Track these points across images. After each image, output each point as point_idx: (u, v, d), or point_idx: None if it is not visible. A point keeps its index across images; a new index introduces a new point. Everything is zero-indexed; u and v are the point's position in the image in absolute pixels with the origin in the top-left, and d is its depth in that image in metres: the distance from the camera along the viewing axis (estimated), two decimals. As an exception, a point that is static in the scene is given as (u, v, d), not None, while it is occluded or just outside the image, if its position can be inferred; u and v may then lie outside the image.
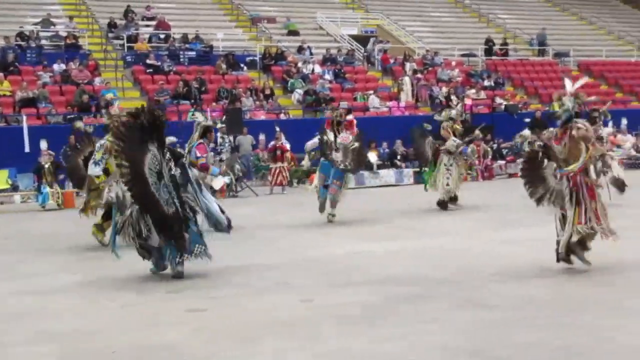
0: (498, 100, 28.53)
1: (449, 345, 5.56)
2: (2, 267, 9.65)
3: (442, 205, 14.46)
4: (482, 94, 28.72)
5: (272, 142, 20.44)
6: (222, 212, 9.02)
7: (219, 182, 11.60)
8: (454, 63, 30.82)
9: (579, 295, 7.11)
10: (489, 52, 33.16)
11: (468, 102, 27.28)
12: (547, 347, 5.45)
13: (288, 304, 7.07)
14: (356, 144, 13.29)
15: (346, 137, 13.31)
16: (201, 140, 10.52)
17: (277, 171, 19.82)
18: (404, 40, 33.26)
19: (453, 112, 15.64)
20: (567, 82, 8.97)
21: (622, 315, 6.28)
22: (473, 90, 28.61)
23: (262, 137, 21.94)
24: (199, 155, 10.26)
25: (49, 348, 5.91)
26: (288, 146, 20.63)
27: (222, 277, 8.57)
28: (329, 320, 6.40)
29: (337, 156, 13.13)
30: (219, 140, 20.62)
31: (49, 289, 8.06)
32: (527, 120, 24.98)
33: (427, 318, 6.36)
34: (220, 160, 20.01)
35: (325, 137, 13.33)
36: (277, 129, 20.55)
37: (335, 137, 13.34)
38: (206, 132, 10.75)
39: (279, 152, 20.01)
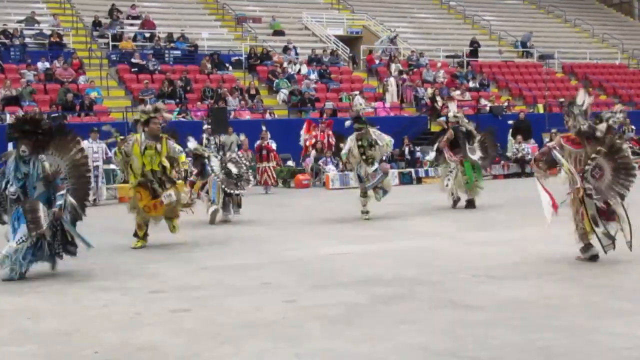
0: (483, 101, 28.65)
1: (431, 346, 5.58)
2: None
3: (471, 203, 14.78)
4: (467, 95, 28.84)
5: (258, 142, 20.44)
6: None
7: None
8: (439, 64, 30.93)
9: (561, 297, 7.14)
10: (474, 53, 33.30)
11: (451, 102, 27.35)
12: (528, 348, 5.48)
13: (271, 305, 7.07)
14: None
15: None
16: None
17: (263, 170, 19.81)
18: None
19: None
20: (581, 94, 8.92)
21: (604, 317, 6.32)
22: (458, 92, 28.73)
23: (242, 137, 21.90)
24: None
25: (28, 348, 5.87)
26: (274, 146, 20.64)
27: (205, 277, 8.57)
28: (311, 320, 6.41)
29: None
30: (204, 141, 20.59)
31: (29, 288, 8.02)
32: (511, 122, 25.12)
33: (410, 318, 6.38)
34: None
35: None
36: (264, 128, 20.55)
37: None
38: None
39: (264, 152, 20.01)
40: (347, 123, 13.98)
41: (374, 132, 13.64)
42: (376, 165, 13.69)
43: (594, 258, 8.62)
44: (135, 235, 11.00)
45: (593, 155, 8.43)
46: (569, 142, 8.69)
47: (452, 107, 15.93)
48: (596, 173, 8.43)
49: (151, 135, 10.77)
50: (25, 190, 8.43)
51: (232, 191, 13.80)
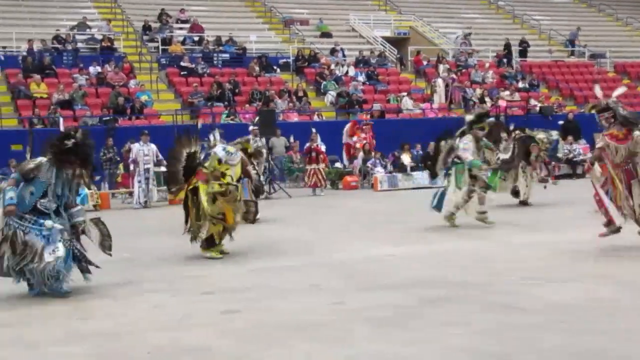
0: (532, 102, 28.33)
1: (479, 349, 5.55)
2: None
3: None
4: (517, 96, 28.55)
5: (308, 144, 20.48)
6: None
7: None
8: (487, 65, 30.67)
9: (612, 299, 7.04)
10: (523, 53, 32.95)
11: (502, 103, 27.17)
12: (579, 352, 5.42)
13: (319, 306, 7.10)
14: None
15: None
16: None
17: (313, 172, 19.87)
18: (437, 42, 33.16)
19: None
20: (597, 90, 9.17)
21: (655, 321, 6.23)
22: (507, 92, 28.45)
23: (291, 139, 22.08)
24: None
25: (82, 348, 5.99)
26: (323, 148, 20.68)
27: (254, 278, 8.64)
28: (360, 323, 6.43)
29: None
30: (252, 142, 20.71)
31: (82, 290, 8.17)
32: (561, 122, 24.80)
33: (458, 321, 6.36)
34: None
35: None
36: (314, 130, 20.58)
37: None
38: None
39: (314, 154, 20.05)
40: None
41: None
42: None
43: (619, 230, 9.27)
44: (211, 244, 10.28)
45: None
46: (613, 138, 9.05)
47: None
48: None
49: None
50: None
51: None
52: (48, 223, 7.67)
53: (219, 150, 10.29)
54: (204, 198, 9.97)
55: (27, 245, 7.70)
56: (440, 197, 12.60)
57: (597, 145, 9.55)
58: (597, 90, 9.63)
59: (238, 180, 10.56)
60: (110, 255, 8.28)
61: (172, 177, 10.50)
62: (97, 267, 8.24)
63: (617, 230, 9.36)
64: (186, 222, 10.34)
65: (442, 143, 12.89)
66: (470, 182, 12.31)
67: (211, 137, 11.49)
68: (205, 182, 10.10)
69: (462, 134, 12.56)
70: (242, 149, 11.22)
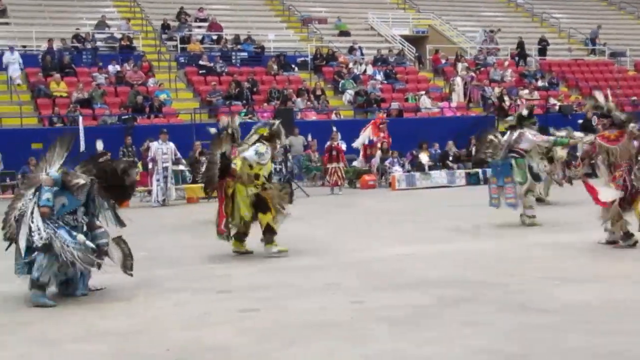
0: (552, 100, 28.17)
1: (499, 350, 5.53)
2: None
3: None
4: (536, 95, 28.39)
5: (328, 142, 20.47)
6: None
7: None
8: (506, 63, 30.53)
9: (632, 300, 6.99)
10: (542, 52, 32.78)
11: (521, 102, 27.01)
12: (599, 353, 5.38)
13: (337, 305, 7.10)
14: None
15: None
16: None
17: (333, 171, 19.86)
18: (455, 41, 33.05)
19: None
20: (599, 95, 9.48)
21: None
22: (526, 91, 28.32)
23: (309, 137, 22.10)
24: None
25: (101, 346, 6.02)
26: (344, 146, 20.66)
27: (272, 277, 8.64)
28: (378, 322, 6.42)
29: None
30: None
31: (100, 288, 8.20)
32: (580, 121, 24.63)
33: (477, 321, 6.33)
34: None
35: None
36: (334, 129, 20.57)
37: None
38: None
39: (334, 153, 20.04)
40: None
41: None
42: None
43: (636, 244, 9.49)
44: (272, 234, 10.09)
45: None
46: (604, 139, 9.52)
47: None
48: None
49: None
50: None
51: None
52: (81, 238, 7.59)
53: (251, 155, 10.01)
54: (241, 204, 9.89)
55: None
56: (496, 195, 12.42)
57: (585, 144, 10.18)
58: (599, 96, 9.93)
59: (269, 175, 10.41)
60: (132, 275, 8.27)
61: (209, 181, 10.18)
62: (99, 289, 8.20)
63: (634, 243, 9.52)
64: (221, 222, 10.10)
65: (491, 137, 12.83)
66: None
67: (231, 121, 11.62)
68: (241, 183, 9.97)
69: (512, 129, 12.58)
70: (261, 137, 10.91)
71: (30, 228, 7.54)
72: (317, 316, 6.72)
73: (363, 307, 7.02)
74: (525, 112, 12.84)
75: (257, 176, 10.05)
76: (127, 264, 8.20)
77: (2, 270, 9.47)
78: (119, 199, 8.38)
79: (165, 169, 18.15)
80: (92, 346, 6.03)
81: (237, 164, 10.02)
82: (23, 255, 7.61)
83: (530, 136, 12.27)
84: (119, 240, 8.22)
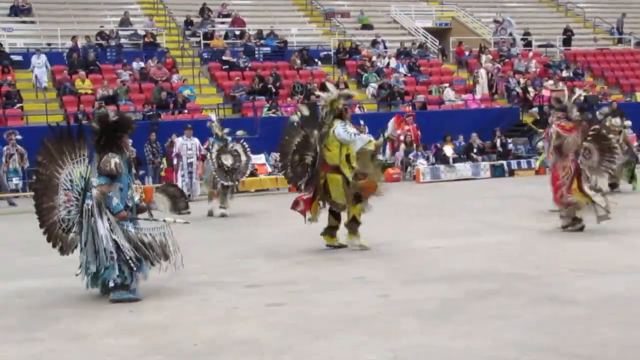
0: (577, 91, 27.87)
1: (529, 342, 5.48)
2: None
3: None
4: (561, 85, 28.13)
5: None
6: None
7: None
8: (531, 54, 30.29)
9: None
10: (567, 42, 32.48)
11: (546, 93, 26.81)
12: (631, 345, 5.33)
13: (364, 299, 7.08)
14: None
15: None
16: None
17: None
18: (479, 32, 32.83)
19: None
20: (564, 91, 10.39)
21: None
22: (551, 82, 28.07)
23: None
24: None
25: (131, 340, 6.05)
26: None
27: (298, 271, 8.65)
28: (406, 315, 6.39)
29: None
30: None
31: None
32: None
33: (506, 314, 6.29)
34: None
35: None
36: (362, 122, 20.50)
37: None
38: None
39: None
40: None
41: None
42: None
43: (582, 229, 10.59)
44: (356, 225, 10.02)
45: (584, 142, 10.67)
46: (561, 128, 10.79)
47: None
48: (587, 154, 10.66)
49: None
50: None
51: (222, 182, 14.30)
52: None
53: (345, 137, 9.74)
54: (336, 194, 9.74)
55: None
56: None
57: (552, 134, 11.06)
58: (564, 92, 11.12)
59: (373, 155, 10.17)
60: (189, 212, 8.20)
61: (315, 176, 9.92)
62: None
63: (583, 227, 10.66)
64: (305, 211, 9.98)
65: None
66: None
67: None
68: (336, 172, 9.76)
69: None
70: (330, 111, 10.39)
71: (115, 242, 7.42)
72: (344, 310, 6.71)
73: (391, 301, 7.00)
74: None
75: (347, 157, 9.78)
76: (179, 206, 8.16)
77: (29, 266, 9.59)
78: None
79: (190, 164, 18.21)
80: (121, 341, 6.06)
81: (330, 154, 9.78)
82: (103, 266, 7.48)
83: None
84: (165, 187, 8.17)
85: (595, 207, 10.53)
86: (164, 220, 7.83)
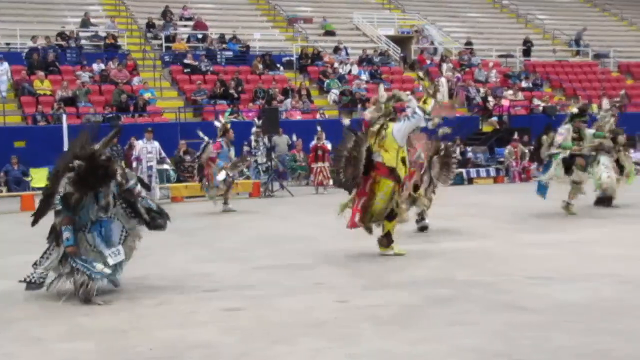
0: (536, 101, 28.29)
1: (485, 349, 5.53)
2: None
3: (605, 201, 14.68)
4: (520, 95, 28.51)
5: (314, 142, 20.44)
6: None
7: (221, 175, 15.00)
8: (491, 64, 30.64)
9: (618, 299, 7.01)
10: (527, 52, 32.92)
11: (505, 103, 27.13)
12: (585, 352, 5.40)
13: (323, 304, 7.08)
14: None
15: None
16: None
17: (318, 171, 19.85)
18: (440, 41, 33.11)
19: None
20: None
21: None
22: (510, 92, 28.42)
23: (294, 137, 22.10)
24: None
25: (86, 344, 5.98)
26: (329, 146, 20.65)
27: (257, 276, 8.62)
28: (364, 321, 6.40)
29: None
30: (253, 143, 20.81)
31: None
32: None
33: (463, 320, 6.33)
34: (256, 162, 20.33)
35: None
36: (319, 128, 20.55)
37: None
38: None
39: (320, 152, 20.02)
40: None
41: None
42: None
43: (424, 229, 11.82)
44: (390, 241, 9.88)
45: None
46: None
47: None
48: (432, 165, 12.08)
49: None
50: None
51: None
52: (99, 266, 7.48)
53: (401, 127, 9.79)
54: (379, 202, 9.60)
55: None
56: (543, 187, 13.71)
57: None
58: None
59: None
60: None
61: (354, 177, 9.75)
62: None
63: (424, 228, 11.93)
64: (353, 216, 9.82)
65: (544, 137, 13.95)
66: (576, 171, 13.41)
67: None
68: (388, 177, 9.58)
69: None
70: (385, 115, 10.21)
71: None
72: (303, 315, 6.71)
73: (349, 306, 7.01)
74: (575, 110, 13.92)
75: (403, 160, 9.67)
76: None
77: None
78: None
79: (150, 167, 18.07)
80: (77, 344, 5.99)
81: (388, 155, 9.61)
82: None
83: (557, 132, 13.73)
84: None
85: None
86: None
